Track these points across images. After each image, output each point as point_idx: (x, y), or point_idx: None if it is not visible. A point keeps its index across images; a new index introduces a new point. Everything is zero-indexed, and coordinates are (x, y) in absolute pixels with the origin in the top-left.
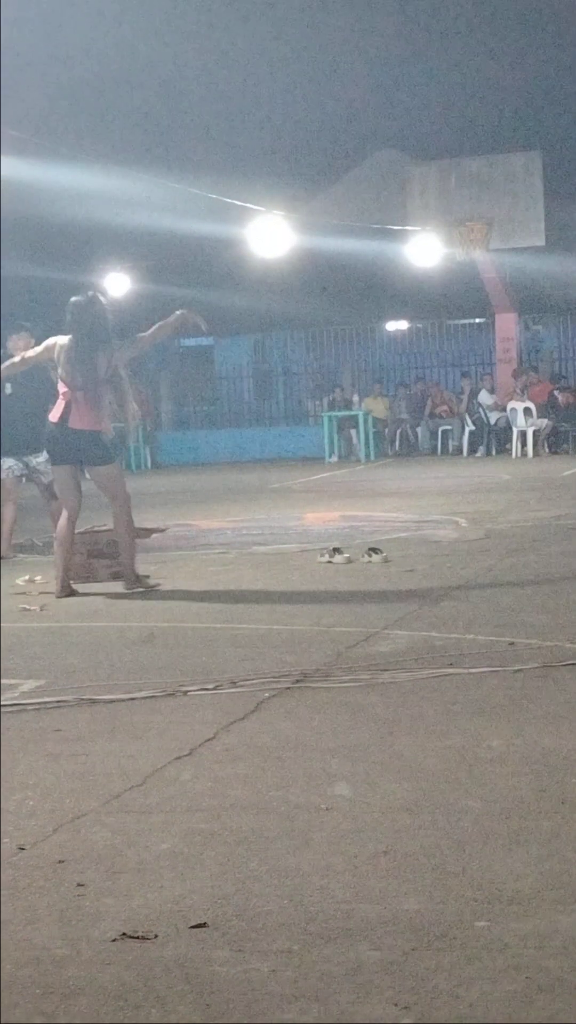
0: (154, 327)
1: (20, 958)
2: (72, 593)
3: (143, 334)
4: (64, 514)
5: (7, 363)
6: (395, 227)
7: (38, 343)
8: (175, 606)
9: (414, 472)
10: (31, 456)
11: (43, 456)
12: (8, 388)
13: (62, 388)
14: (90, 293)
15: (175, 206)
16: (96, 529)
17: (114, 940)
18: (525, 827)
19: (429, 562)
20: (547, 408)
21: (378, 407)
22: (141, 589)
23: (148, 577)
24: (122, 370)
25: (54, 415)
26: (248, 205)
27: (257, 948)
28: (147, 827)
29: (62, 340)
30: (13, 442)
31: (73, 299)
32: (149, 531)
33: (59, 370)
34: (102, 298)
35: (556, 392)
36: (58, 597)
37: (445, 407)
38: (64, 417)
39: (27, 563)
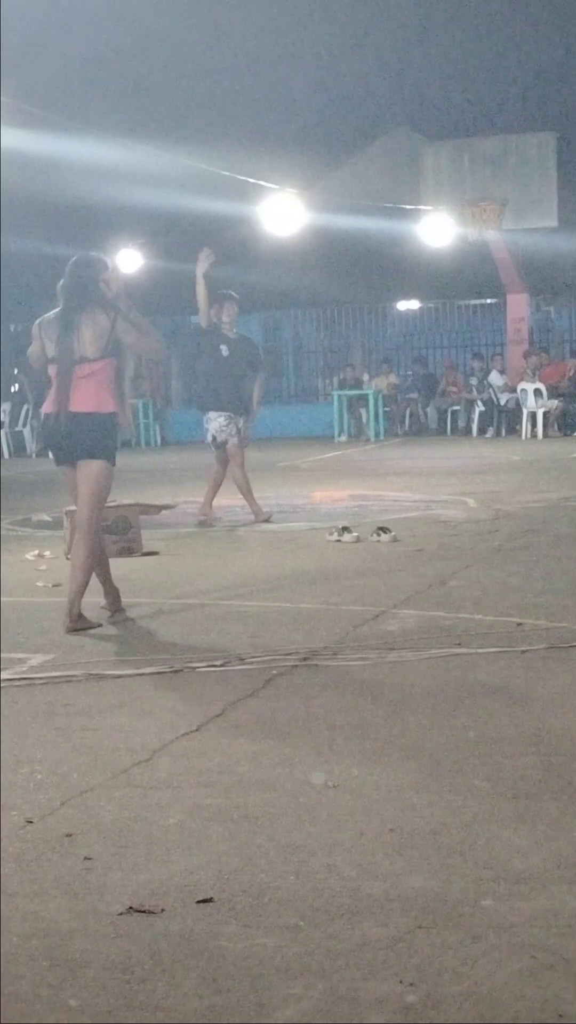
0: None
1: (27, 930)
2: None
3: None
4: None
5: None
6: (408, 206)
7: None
8: (183, 583)
9: (423, 452)
10: (240, 417)
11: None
12: (225, 350)
13: (52, 370)
14: (92, 254)
15: (188, 183)
16: (105, 505)
17: (121, 914)
18: (531, 807)
19: (438, 542)
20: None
21: (388, 386)
22: (82, 628)
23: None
24: (121, 324)
25: (49, 404)
26: (261, 182)
27: (263, 923)
28: (154, 802)
29: (47, 315)
30: (228, 400)
31: (72, 259)
32: (159, 507)
33: (46, 348)
34: (106, 260)
35: None
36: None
37: (456, 387)
38: (61, 401)
39: (36, 538)
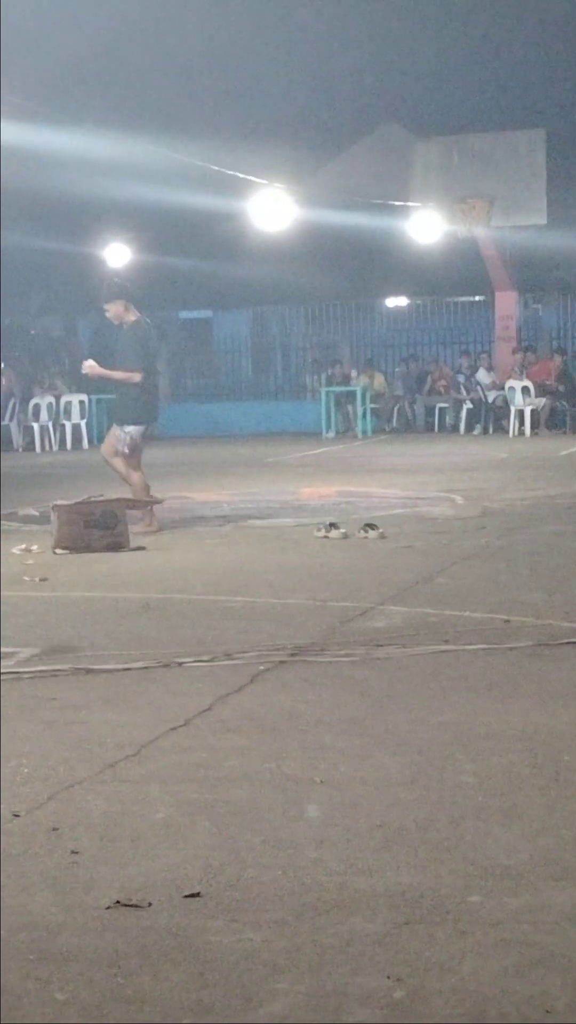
0: None
1: (14, 924)
2: None
3: None
4: None
5: None
6: (397, 203)
7: None
8: (171, 578)
9: (411, 449)
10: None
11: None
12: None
13: None
14: None
15: (177, 177)
16: (92, 499)
17: (108, 908)
18: (519, 803)
19: (425, 539)
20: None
21: (376, 383)
22: None
23: None
24: None
25: None
26: (250, 177)
27: (250, 918)
28: (142, 796)
29: None
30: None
31: None
32: (146, 502)
33: None
34: None
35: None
36: None
37: (444, 383)
38: None
39: (23, 532)
